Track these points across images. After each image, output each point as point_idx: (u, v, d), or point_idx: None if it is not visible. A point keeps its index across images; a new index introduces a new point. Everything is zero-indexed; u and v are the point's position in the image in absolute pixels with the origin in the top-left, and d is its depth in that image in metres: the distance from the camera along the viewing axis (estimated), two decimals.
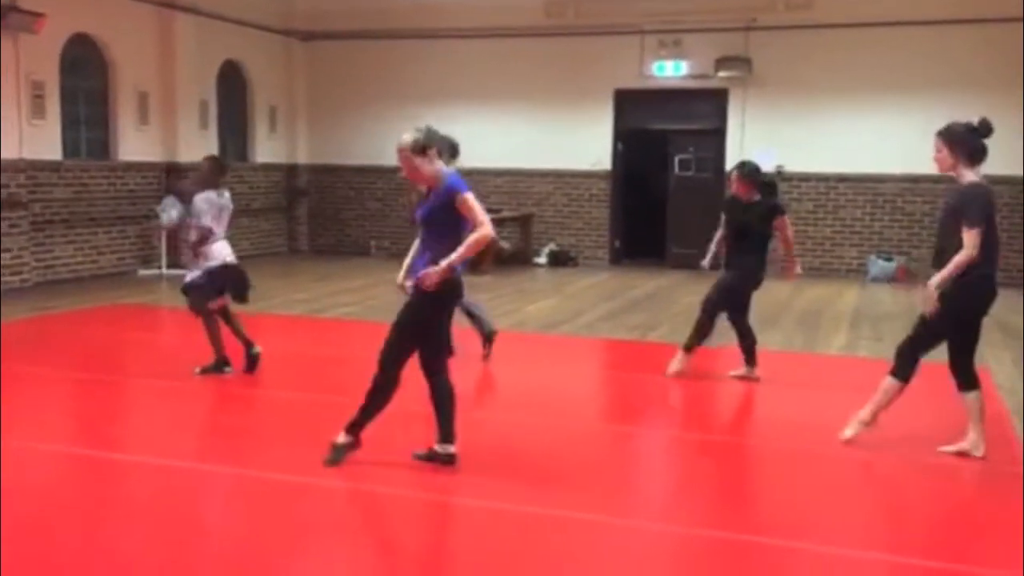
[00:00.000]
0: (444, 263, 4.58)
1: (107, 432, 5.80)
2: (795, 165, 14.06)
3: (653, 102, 14.76)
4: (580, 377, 7.68)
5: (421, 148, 4.69)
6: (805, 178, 14.12)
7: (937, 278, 5.00)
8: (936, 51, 13.13)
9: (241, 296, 7.00)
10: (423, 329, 4.81)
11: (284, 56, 15.88)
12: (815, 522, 4.41)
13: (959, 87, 12.92)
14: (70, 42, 11.94)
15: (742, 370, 7.08)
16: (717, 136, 14.47)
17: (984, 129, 5.03)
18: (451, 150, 8.00)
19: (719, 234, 7.22)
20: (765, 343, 8.66)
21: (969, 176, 5.05)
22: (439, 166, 4.77)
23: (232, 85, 15.00)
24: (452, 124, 15.09)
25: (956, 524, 4.60)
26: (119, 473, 4.96)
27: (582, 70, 14.65)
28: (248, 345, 6.90)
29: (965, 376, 5.23)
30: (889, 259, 13.64)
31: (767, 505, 4.76)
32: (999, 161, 6.31)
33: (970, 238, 4.89)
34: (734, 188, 7.05)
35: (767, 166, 14.17)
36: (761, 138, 14.19)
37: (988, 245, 4.98)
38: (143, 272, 12.84)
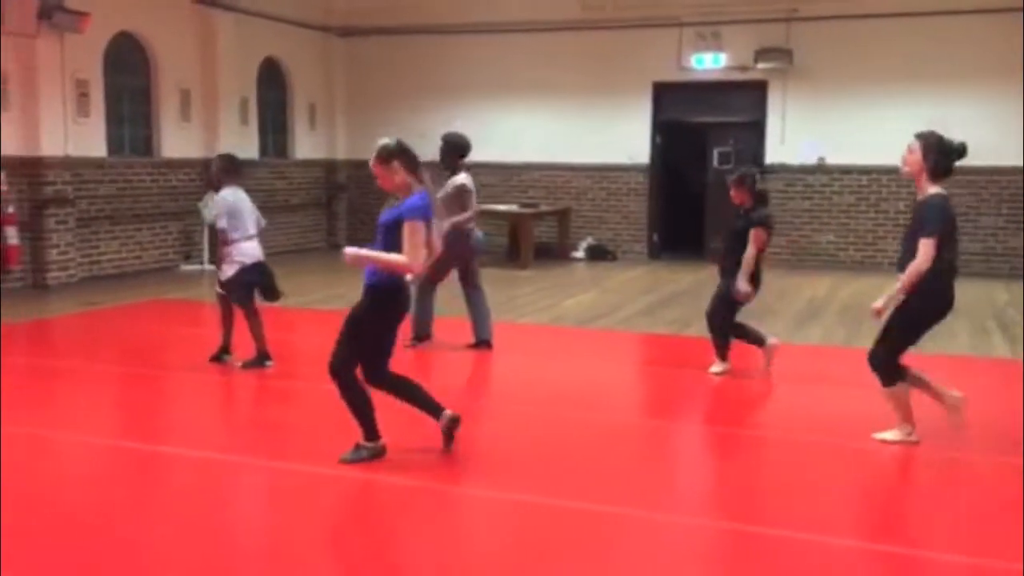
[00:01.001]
0: (365, 252, 4.72)
1: (152, 425, 5.90)
2: (837, 157, 13.91)
3: (692, 95, 14.66)
4: (618, 372, 7.65)
5: (385, 157, 4.81)
6: (847, 170, 13.95)
7: (895, 291, 5.10)
8: (981, 40, 12.89)
9: (271, 295, 7.09)
10: (370, 337, 4.83)
11: (323, 52, 15.99)
12: (846, 517, 4.36)
13: (1004, 77, 12.69)
14: (114, 41, 12.13)
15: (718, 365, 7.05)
16: (757, 128, 14.34)
17: (961, 152, 5.18)
18: (459, 150, 8.07)
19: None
20: (806, 338, 8.60)
21: (931, 188, 5.16)
22: (405, 179, 4.83)
23: (272, 82, 15.14)
24: (490, 119, 15.32)
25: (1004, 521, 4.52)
26: (163, 465, 5.04)
27: (620, 63, 14.58)
28: (261, 351, 6.95)
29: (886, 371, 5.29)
30: None
31: (800, 501, 4.71)
32: None
33: (925, 248, 5.00)
34: (732, 196, 7.00)
35: (809, 158, 14.10)
36: (802, 130, 14.04)
37: (948, 256, 5.07)
38: (185, 267, 13.02)
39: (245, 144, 14.07)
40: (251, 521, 4.43)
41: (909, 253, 5.12)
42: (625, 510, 4.37)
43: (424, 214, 4.77)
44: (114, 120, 12.27)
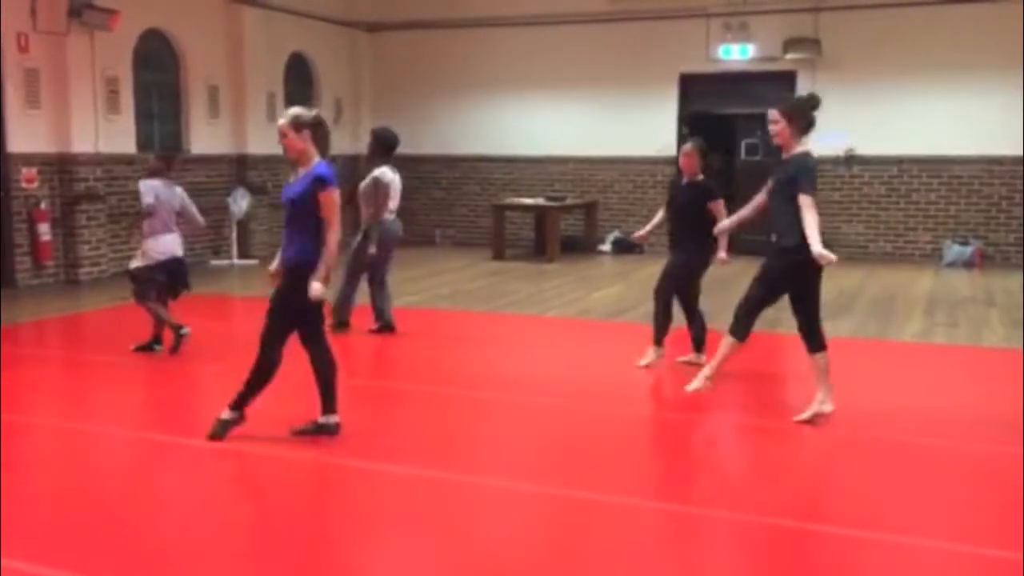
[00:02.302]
0: (321, 276, 4.84)
1: (180, 418, 5.94)
2: (866, 148, 13.76)
3: (719, 86, 14.56)
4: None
5: (300, 124, 4.91)
6: (877, 161, 13.80)
7: (819, 247, 5.19)
8: (1012, 29, 12.68)
9: (175, 293, 7.41)
10: (294, 312, 5.00)
11: (349, 47, 16.04)
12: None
13: None
14: (143, 38, 12.23)
15: (690, 356, 6.97)
16: None
17: (816, 102, 5.51)
18: (386, 143, 8.17)
19: (661, 213, 7.22)
20: (836, 331, 8.51)
21: (800, 147, 5.42)
22: (310, 148, 4.95)
23: (298, 77, 15.20)
24: (515, 112, 15.31)
25: None
26: (192, 457, 5.07)
27: (646, 55, 14.51)
28: (175, 327, 7.26)
29: (815, 338, 5.56)
30: (965, 243, 13.26)
31: (830, 493, 4.68)
32: None
33: (810, 203, 5.25)
34: (681, 162, 6.90)
35: (838, 149, 13.96)
36: (831, 120, 13.80)
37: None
38: (214, 262, 13.12)
39: (272, 139, 14.13)
40: (278, 513, 4.46)
41: (781, 213, 5.37)
42: (654, 504, 4.36)
43: (335, 180, 4.92)
44: (144, 117, 12.38)
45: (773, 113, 5.44)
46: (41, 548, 3.85)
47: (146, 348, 7.33)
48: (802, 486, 4.82)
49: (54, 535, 4.00)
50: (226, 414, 5.10)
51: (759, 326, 5.81)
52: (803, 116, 5.42)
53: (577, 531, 4.11)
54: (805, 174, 5.32)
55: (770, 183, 5.61)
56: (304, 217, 4.91)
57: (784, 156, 5.48)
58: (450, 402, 6.18)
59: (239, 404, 5.08)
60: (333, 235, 4.89)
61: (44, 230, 10.88)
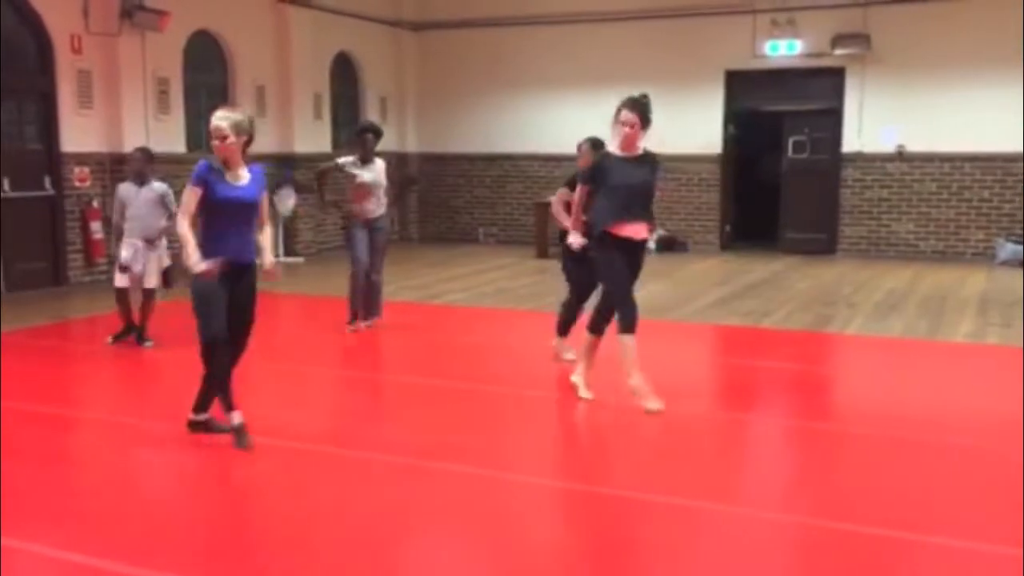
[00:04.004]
0: (271, 260, 5.28)
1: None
2: (917, 145, 13.53)
3: (766, 83, 14.40)
4: (691, 364, 7.57)
5: (244, 130, 5.03)
6: (928, 158, 13.56)
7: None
8: None
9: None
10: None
11: (394, 47, 16.13)
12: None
13: None
14: (192, 38, 12.41)
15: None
16: (833, 116, 14.03)
17: (647, 101, 5.83)
18: (369, 141, 8.34)
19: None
20: (887, 330, 8.39)
21: (643, 143, 5.83)
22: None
23: (344, 76, 15.32)
24: (559, 110, 15.25)
25: None
26: (234, 451, 5.12)
27: (691, 52, 14.39)
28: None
29: (605, 320, 5.92)
30: (1020, 242, 12.97)
31: (875, 495, 4.60)
32: None
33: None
34: (581, 162, 6.82)
35: (888, 146, 13.74)
36: (881, 117, 13.69)
37: None
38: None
39: (318, 138, 14.29)
40: (330, 510, 4.49)
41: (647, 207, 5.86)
42: (703, 504, 4.32)
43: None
44: (193, 116, 12.55)
45: (631, 115, 5.74)
46: (92, 539, 3.92)
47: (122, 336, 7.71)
48: (851, 487, 4.75)
49: (104, 526, 4.07)
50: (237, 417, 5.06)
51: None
52: (648, 114, 5.81)
53: (619, 530, 4.09)
54: (660, 171, 5.97)
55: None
56: (255, 215, 5.18)
57: (638, 152, 5.84)
58: (494, 399, 6.18)
59: (204, 407, 5.14)
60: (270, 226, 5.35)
61: (96, 228, 11.09)
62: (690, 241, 14.90)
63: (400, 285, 10.89)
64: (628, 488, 4.52)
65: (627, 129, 5.71)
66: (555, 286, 11.12)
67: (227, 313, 4.97)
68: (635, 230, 5.76)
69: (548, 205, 14.34)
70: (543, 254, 13.66)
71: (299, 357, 7.43)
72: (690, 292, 10.66)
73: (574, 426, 5.88)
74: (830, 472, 4.93)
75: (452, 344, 7.98)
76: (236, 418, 4.98)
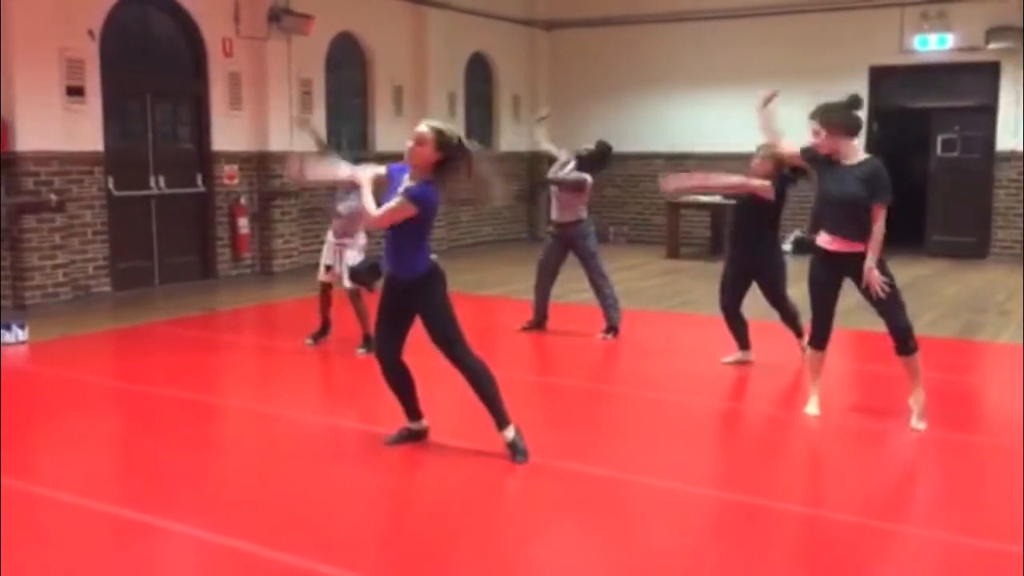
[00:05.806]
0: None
1: (361, 407, 6.16)
2: None
3: (913, 78, 13.81)
4: (833, 371, 7.31)
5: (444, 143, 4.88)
6: None
7: None
8: None
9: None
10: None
11: (527, 46, 16.23)
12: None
13: None
14: (335, 41, 12.81)
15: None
16: (987, 113, 13.31)
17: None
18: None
19: None
20: (998, 335, 7.91)
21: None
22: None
23: (478, 76, 15.51)
24: (694, 109, 14.99)
25: None
26: (371, 444, 5.25)
27: (833, 48, 13.90)
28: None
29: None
30: None
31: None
32: None
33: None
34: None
35: None
36: None
37: None
38: None
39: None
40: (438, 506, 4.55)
41: None
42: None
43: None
44: (333, 116, 12.95)
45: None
46: (236, 522, 4.09)
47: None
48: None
49: (246, 511, 4.24)
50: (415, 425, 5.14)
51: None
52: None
53: (743, 536, 4.00)
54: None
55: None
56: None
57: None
58: (621, 401, 6.15)
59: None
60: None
61: (243, 224, 11.60)
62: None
63: (529, 284, 10.90)
64: (746, 492, 4.40)
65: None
66: (685, 287, 10.99)
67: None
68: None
69: (679, 206, 14.28)
70: (674, 254, 13.48)
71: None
72: None
73: (696, 427, 5.76)
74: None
75: (573, 344, 7.95)
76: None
